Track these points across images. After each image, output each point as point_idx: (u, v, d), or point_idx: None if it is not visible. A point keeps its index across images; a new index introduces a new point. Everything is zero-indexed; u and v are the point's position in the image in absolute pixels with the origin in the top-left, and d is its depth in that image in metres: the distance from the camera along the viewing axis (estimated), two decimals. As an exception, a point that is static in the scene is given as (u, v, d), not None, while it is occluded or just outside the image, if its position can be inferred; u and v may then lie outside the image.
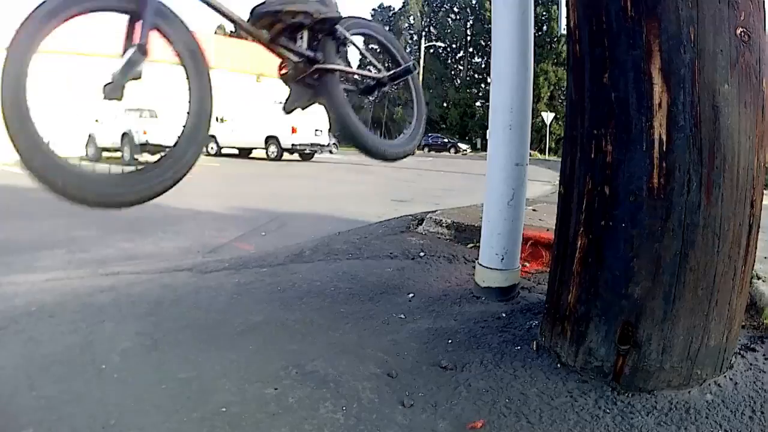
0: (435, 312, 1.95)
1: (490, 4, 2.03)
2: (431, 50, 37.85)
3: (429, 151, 32.13)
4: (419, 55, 31.79)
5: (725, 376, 1.43)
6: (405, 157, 1.86)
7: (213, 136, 19.39)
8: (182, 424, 1.26)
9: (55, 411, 1.30)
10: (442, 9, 44.07)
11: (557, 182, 2.01)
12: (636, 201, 1.34)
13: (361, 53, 1.90)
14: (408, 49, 43.62)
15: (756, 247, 1.43)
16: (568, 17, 1.52)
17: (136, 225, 5.02)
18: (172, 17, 1.43)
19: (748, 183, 1.34)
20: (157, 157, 1.68)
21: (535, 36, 2.05)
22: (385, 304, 2.05)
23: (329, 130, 18.93)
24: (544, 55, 33.45)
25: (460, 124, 40.03)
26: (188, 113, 1.54)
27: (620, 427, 1.27)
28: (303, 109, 1.78)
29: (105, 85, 1.40)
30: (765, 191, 1.52)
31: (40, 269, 3.04)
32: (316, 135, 17.68)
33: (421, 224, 3.17)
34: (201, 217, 5.55)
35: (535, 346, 1.62)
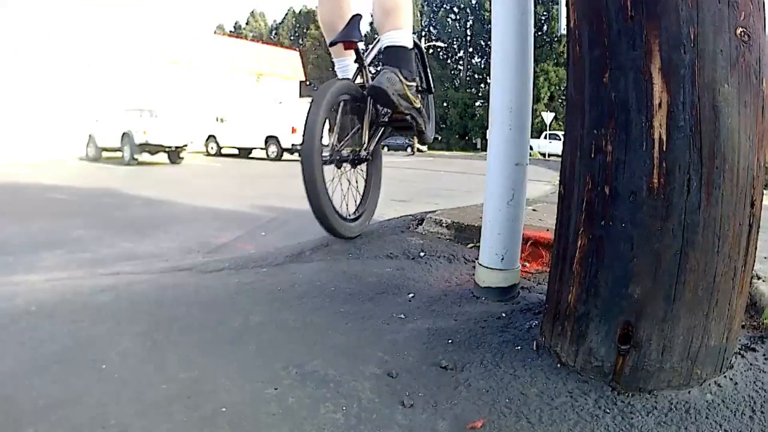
0: (435, 312, 1.95)
1: (490, 4, 2.03)
2: (431, 50, 37.83)
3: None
4: (419, 55, 31.63)
5: (725, 376, 1.43)
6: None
7: (213, 136, 19.40)
8: (182, 424, 1.26)
9: (55, 411, 1.30)
10: (442, 9, 44.05)
11: (557, 182, 2.01)
12: (636, 201, 1.34)
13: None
14: (408, 49, 43.42)
15: (756, 247, 1.43)
16: (568, 17, 1.52)
17: (136, 225, 5.02)
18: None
19: (748, 183, 1.34)
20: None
21: (535, 36, 2.05)
22: (385, 304, 2.05)
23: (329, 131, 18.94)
24: (544, 55, 33.47)
25: (460, 124, 40.05)
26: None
27: (620, 427, 1.27)
28: None
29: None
30: (765, 191, 1.52)
31: (40, 269, 3.04)
32: (316, 135, 17.66)
33: (421, 224, 3.16)
34: (201, 217, 5.56)
35: (535, 346, 1.62)
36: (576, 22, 1.47)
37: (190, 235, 4.53)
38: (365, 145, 2.07)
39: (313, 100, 1.78)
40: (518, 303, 2.00)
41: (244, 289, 2.26)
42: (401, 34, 1.86)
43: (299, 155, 1.85)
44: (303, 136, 1.78)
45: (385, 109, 2.00)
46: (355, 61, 2.03)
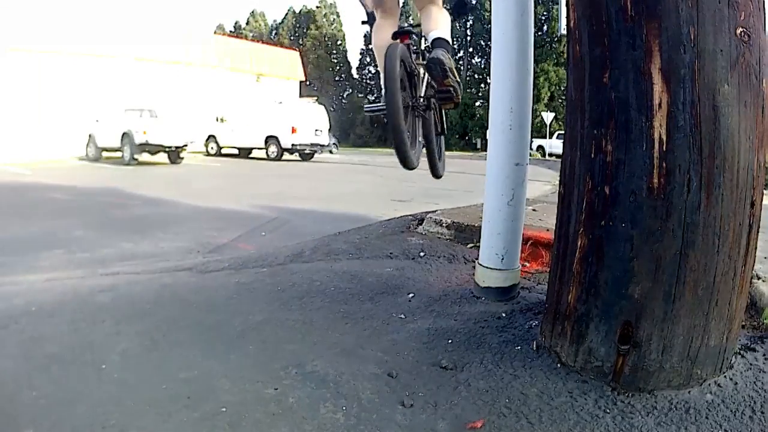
0: (435, 312, 1.95)
1: (490, 4, 2.03)
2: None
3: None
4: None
5: (725, 376, 1.43)
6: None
7: (213, 136, 19.40)
8: (182, 424, 1.26)
9: (55, 411, 1.30)
10: (442, 9, 44.00)
11: (557, 182, 2.01)
12: (636, 201, 1.34)
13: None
14: (408, 49, 43.55)
15: (756, 247, 1.43)
16: (568, 17, 1.52)
17: (136, 225, 5.02)
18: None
19: (748, 183, 1.34)
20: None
21: (535, 36, 2.06)
22: (385, 304, 2.05)
23: (329, 130, 18.94)
24: (544, 55, 33.40)
25: (459, 124, 40.01)
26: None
27: (620, 427, 1.27)
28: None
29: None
30: (765, 191, 1.52)
31: (40, 269, 3.04)
32: (316, 135, 17.67)
33: (421, 224, 3.16)
34: (201, 217, 5.56)
35: (535, 346, 1.62)
36: (576, 22, 1.47)
37: (190, 235, 4.53)
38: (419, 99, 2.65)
39: (387, 56, 2.28)
40: (518, 303, 2.00)
41: (244, 289, 2.26)
42: (444, 31, 2.50)
43: (383, 97, 2.34)
44: (384, 83, 2.27)
45: (434, 82, 2.53)
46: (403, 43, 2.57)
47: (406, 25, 2.73)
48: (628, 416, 1.30)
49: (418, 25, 2.67)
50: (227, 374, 1.49)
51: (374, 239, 2.98)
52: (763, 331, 1.70)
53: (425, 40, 2.65)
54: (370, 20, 2.90)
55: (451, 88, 2.35)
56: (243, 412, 1.31)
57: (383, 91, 2.28)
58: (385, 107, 2.34)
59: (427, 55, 2.46)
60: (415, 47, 2.78)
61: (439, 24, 2.53)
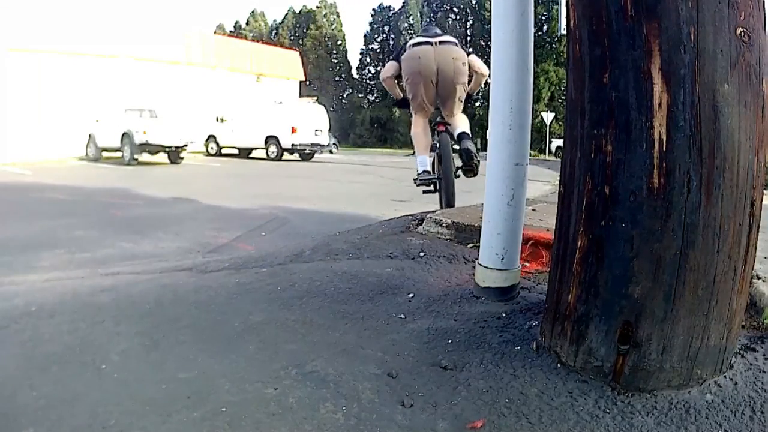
0: (435, 312, 1.95)
1: (490, 4, 2.03)
2: (431, 50, 37.71)
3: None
4: (419, 55, 31.70)
5: (725, 376, 1.43)
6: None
7: (213, 136, 19.40)
8: (182, 424, 1.26)
9: (55, 411, 1.30)
10: (442, 9, 44.05)
11: (557, 182, 2.01)
12: (636, 201, 1.34)
13: None
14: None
15: (756, 247, 1.43)
16: (567, 17, 1.52)
17: (136, 225, 5.02)
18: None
19: (748, 183, 1.34)
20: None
21: (535, 36, 2.06)
22: (385, 304, 2.05)
23: (329, 130, 18.94)
24: (544, 55, 33.44)
25: (460, 124, 39.98)
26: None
27: (620, 427, 1.27)
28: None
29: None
30: (765, 191, 1.52)
31: (40, 269, 3.04)
32: (316, 135, 17.69)
33: (421, 224, 3.16)
34: (201, 217, 5.56)
35: (535, 346, 1.62)
36: (576, 22, 1.47)
37: (190, 235, 4.53)
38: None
39: (443, 143, 3.84)
40: (518, 303, 2.00)
41: (244, 289, 2.26)
42: (466, 127, 3.91)
43: (443, 170, 3.79)
44: (444, 162, 3.75)
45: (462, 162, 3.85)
46: (445, 131, 3.93)
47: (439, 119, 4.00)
48: (628, 416, 1.30)
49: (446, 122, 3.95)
50: (227, 374, 1.49)
51: (374, 239, 2.98)
52: (763, 331, 1.70)
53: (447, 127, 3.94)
54: (400, 104, 4.12)
55: (474, 165, 3.74)
56: (243, 412, 1.31)
57: (442, 169, 3.70)
58: (437, 178, 3.78)
59: (459, 145, 3.79)
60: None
61: (463, 124, 3.87)
